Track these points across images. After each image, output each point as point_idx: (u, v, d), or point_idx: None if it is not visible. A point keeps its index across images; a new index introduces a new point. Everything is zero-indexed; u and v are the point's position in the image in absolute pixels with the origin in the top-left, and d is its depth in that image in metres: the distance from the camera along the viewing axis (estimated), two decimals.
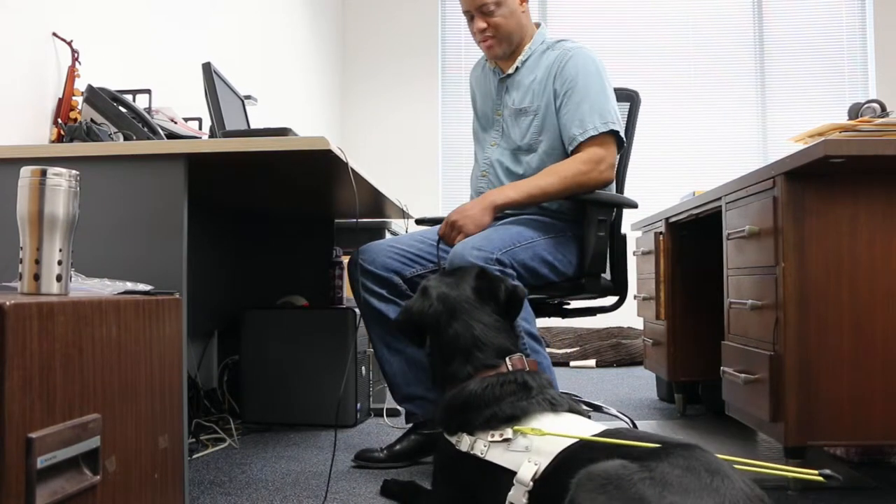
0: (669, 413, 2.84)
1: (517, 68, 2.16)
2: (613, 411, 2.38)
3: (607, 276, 2.27)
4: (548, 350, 4.44)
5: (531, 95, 2.12)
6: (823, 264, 1.72)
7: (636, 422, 2.39)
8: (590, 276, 2.10)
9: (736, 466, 1.08)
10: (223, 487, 1.85)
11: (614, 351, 4.54)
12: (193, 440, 2.26)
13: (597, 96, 2.04)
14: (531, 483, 1.26)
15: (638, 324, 3.99)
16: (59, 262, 1.12)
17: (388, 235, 3.19)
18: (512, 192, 2.02)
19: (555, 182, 2.00)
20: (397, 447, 2.07)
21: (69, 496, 0.97)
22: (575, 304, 2.39)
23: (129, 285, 1.31)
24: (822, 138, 1.66)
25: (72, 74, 2.08)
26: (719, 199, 2.14)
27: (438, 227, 2.06)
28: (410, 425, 2.13)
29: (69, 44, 2.09)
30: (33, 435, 0.91)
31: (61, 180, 1.12)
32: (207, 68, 2.06)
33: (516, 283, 1.67)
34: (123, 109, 1.93)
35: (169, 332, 1.29)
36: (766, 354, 1.76)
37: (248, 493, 1.80)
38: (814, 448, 1.88)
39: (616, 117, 2.06)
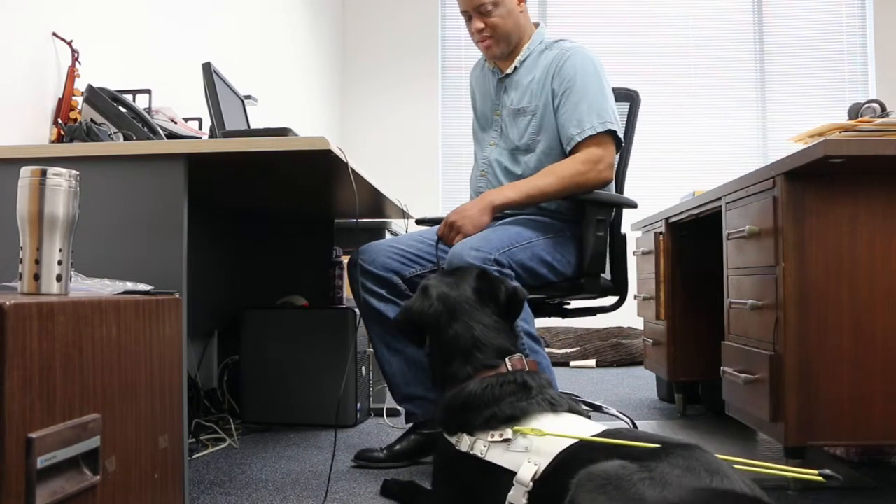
0: (669, 413, 2.84)
1: (515, 68, 2.16)
2: (613, 411, 2.38)
3: (607, 276, 2.27)
4: (548, 350, 4.45)
5: (529, 95, 2.12)
6: (823, 264, 1.72)
7: (636, 422, 2.39)
8: (589, 276, 2.10)
9: (736, 466, 1.08)
10: (223, 487, 1.85)
11: (614, 351, 4.54)
12: (193, 440, 2.26)
13: (595, 96, 2.04)
14: (531, 483, 1.26)
15: (638, 324, 3.99)
16: (59, 262, 1.12)
17: (388, 235, 3.19)
18: (510, 192, 2.02)
19: (553, 182, 2.00)
20: (397, 447, 2.07)
21: (69, 496, 0.97)
22: (575, 304, 2.39)
23: (129, 285, 1.31)
24: (822, 138, 1.66)
25: (72, 74, 2.08)
26: (719, 199, 2.14)
27: (438, 227, 2.06)
28: (410, 425, 2.13)
29: (69, 44, 2.09)
30: (33, 435, 0.91)
31: (61, 180, 1.12)
32: (207, 68, 2.06)
33: (516, 284, 1.67)
34: (123, 109, 1.93)
35: (169, 332, 1.29)
36: (766, 354, 1.76)
37: (248, 493, 1.80)
38: (814, 448, 1.87)
39: (614, 117, 2.06)
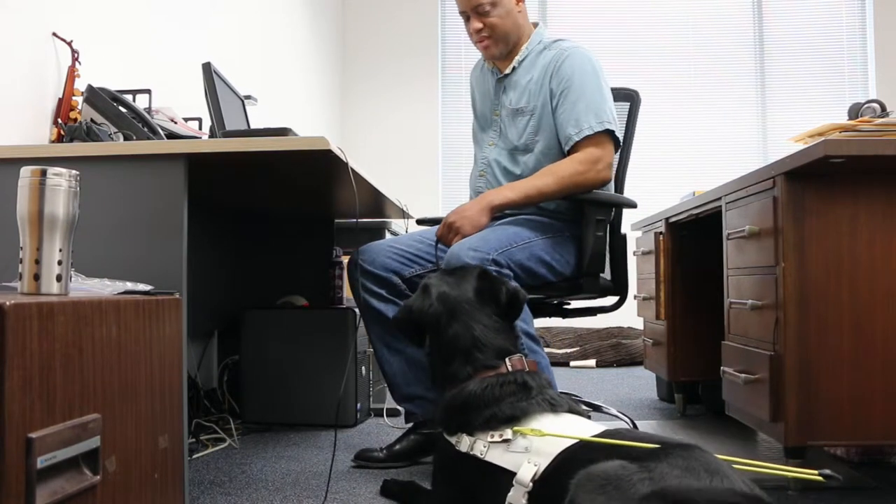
0: (669, 413, 2.84)
1: (514, 68, 2.16)
2: (613, 411, 2.38)
3: (607, 276, 2.27)
4: (548, 350, 4.46)
5: (528, 95, 2.12)
6: (823, 264, 1.72)
7: (636, 422, 2.39)
8: (588, 276, 2.10)
9: (736, 466, 1.08)
10: (223, 487, 1.85)
11: (614, 351, 4.54)
12: (193, 440, 2.26)
13: (592, 96, 2.04)
14: (531, 484, 1.26)
15: (638, 324, 3.99)
16: (59, 262, 1.12)
17: (388, 235, 3.19)
18: (509, 192, 2.02)
19: (552, 182, 2.00)
20: (397, 447, 2.07)
21: (69, 496, 0.97)
22: (575, 304, 2.39)
23: (129, 285, 1.31)
24: (822, 138, 1.66)
25: (72, 74, 2.08)
26: (719, 199, 2.14)
27: (437, 227, 2.06)
28: (410, 425, 2.13)
29: (69, 44, 2.09)
30: (33, 435, 0.91)
31: (61, 180, 1.12)
32: (207, 68, 2.06)
33: (516, 285, 1.67)
34: (123, 109, 1.93)
35: (169, 332, 1.29)
36: (766, 354, 1.76)
37: (248, 493, 1.80)
38: (814, 448, 1.87)
39: (612, 117, 2.06)
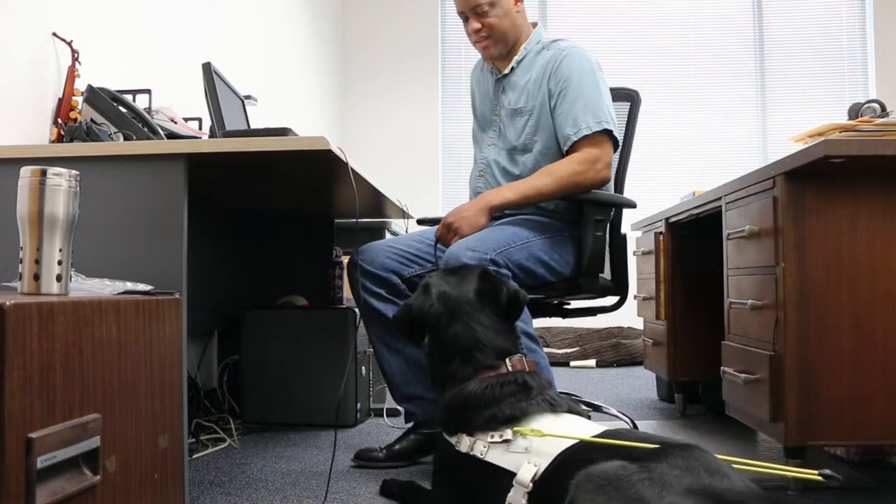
0: (669, 413, 2.84)
1: (513, 68, 2.16)
2: (613, 411, 2.38)
3: (607, 276, 2.27)
4: (548, 350, 4.46)
5: (526, 95, 2.12)
6: (823, 264, 1.72)
7: (636, 422, 2.39)
8: (587, 276, 2.09)
9: (736, 466, 1.08)
10: (223, 487, 1.85)
11: (614, 351, 4.54)
12: (193, 440, 2.26)
13: (590, 95, 2.04)
14: (531, 484, 1.26)
15: (638, 324, 3.99)
16: (59, 262, 1.12)
17: (388, 235, 3.19)
18: (508, 192, 2.02)
19: (550, 182, 2.00)
20: (397, 447, 2.07)
21: (69, 496, 0.97)
22: (575, 304, 2.39)
23: (129, 285, 1.31)
24: (822, 138, 1.66)
25: (72, 74, 2.08)
26: (719, 199, 2.14)
27: (437, 227, 2.06)
28: (410, 425, 2.13)
29: (69, 44, 2.09)
30: (33, 435, 0.91)
31: (61, 180, 1.12)
32: (207, 68, 2.06)
33: (516, 286, 1.67)
34: (123, 109, 1.93)
35: (169, 332, 1.29)
36: (766, 354, 1.76)
37: (248, 493, 1.80)
38: (814, 448, 1.87)
39: (610, 116, 2.05)
